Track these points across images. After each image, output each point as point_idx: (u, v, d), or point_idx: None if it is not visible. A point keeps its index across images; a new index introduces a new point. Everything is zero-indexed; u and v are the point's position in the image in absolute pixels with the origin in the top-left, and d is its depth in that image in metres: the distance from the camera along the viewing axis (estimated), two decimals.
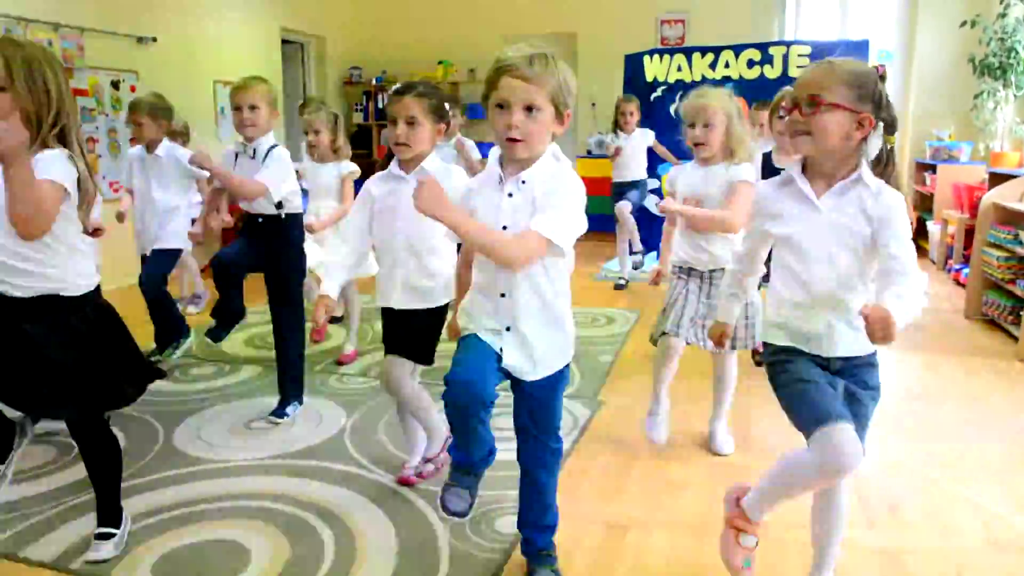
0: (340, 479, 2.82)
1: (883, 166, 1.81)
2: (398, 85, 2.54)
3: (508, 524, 2.43)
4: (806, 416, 1.81)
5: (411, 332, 2.60)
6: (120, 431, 3.25)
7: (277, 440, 3.19)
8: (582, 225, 1.87)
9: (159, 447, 3.13)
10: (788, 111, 1.80)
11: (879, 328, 1.54)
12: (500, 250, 1.82)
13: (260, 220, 3.29)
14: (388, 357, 2.64)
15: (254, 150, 3.22)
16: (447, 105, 2.55)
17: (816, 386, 1.82)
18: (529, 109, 1.81)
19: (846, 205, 1.80)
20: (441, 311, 2.62)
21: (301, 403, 3.50)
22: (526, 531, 2.20)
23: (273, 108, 3.25)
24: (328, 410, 3.50)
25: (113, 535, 2.32)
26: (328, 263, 2.66)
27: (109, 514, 2.35)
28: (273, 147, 3.24)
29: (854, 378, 1.87)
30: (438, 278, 2.56)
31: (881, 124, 1.79)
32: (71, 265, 2.09)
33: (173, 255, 4.19)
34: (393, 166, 2.54)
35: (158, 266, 4.09)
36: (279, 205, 3.25)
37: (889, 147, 1.82)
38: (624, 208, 5.92)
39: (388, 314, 2.63)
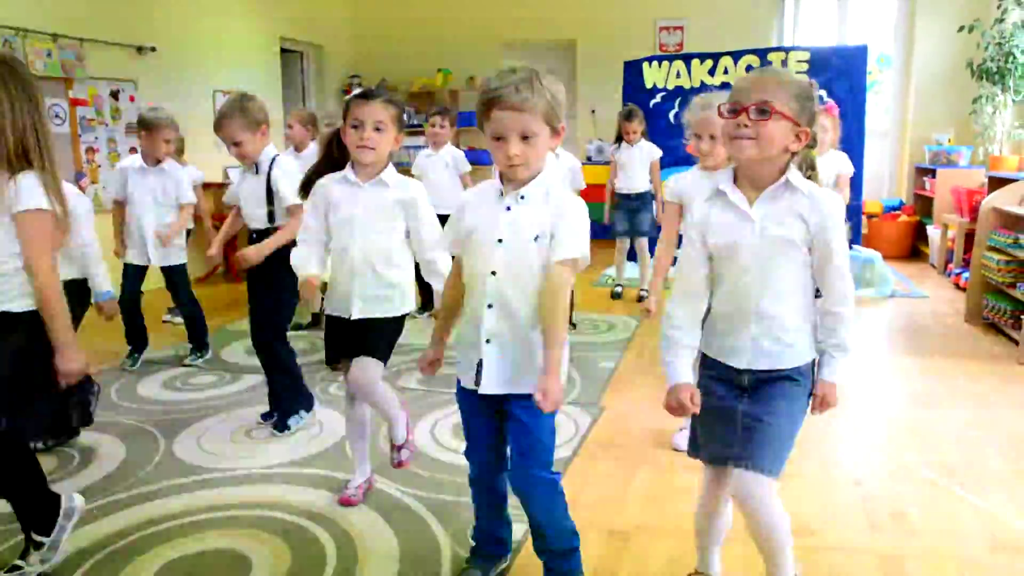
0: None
1: (806, 172, 1.81)
2: (360, 90, 2.51)
3: (512, 532, 2.42)
4: (696, 444, 2.01)
5: (375, 338, 2.57)
6: (120, 441, 3.27)
7: (278, 449, 3.19)
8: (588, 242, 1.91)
9: (160, 457, 3.12)
10: (734, 114, 1.74)
11: (821, 410, 1.85)
12: (562, 318, 1.86)
13: (254, 236, 3.25)
14: (359, 359, 2.57)
15: (256, 166, 3.22)
16: (404, 116, 2.56)
17: (712, 425, 1.92)
18: (525, 137, 1.81)
19: (779, 212, 1.77)
20: (401, 320, 2.61)
21: (309, 410, 3.51)
22: (544, 557, 2.10)
23: (257, 128, 3.19)
24: (328, 418, 3.50)
25: (41, 545, 2.23)
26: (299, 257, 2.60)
27: (34, 519, 2.25)
28: (276, 157, 3.22)
29: (761, 399, 1.84)
30: (396, 288, 2.55)
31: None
32: (19, 282, 2.06)
33: (184, 267, 4.49)
34: (348, 172, 2.51)
35: (185, 283, 4.49)
36: (271, 218, 3.20)
37: (810, 159, 1.84)
38: (645, 245, 5.86)
39: (343, 324, 2.57)
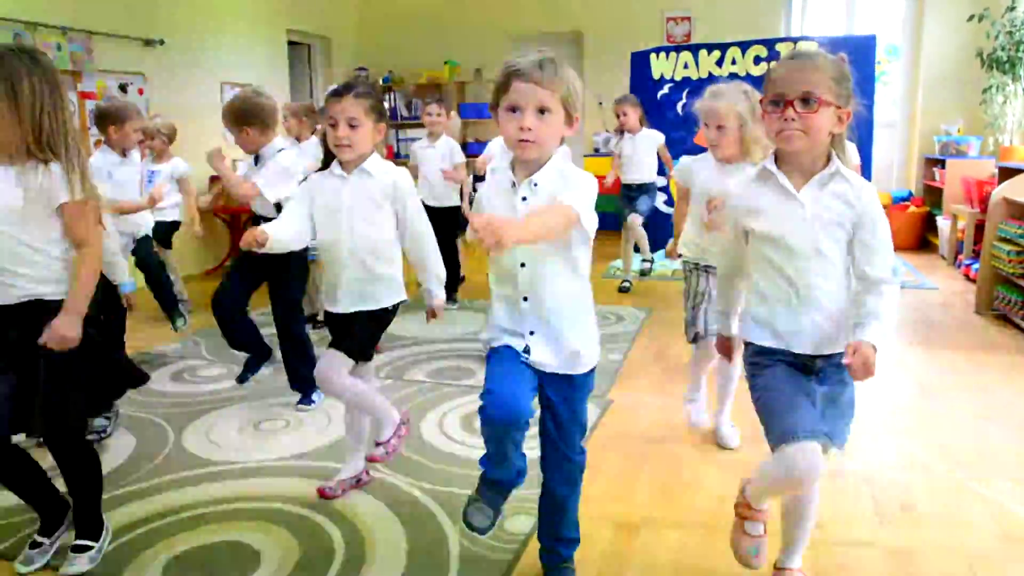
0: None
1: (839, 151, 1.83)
2: (335, 86, 2.52)
3: (519, 525, 2.43)
4: (772, 430, 1.84)
5: (353, 331, 2.58)
6: (130, 433, 3.28)
7: (286, 441, 3.20)
8: (596, 218, 1.88)
9: (169, 449, 3.13)
10: (778, 107, 1.75)
11: (860, 372, 1.67)
12: (550, 225, 1.78)
13: (262, 221, 3.33)
14: (326, 351, 2.58)
15: (257, 157, 3.33)
16: (384, 104, 2.56)
17: (788, 398, 1.83)
18: (541, 111, 1.81)
19: (827, 197, 1.79)
20: (384, 313, 2.59)
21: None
22: (546, 541, 2.17)
23: (266, 127, 3.32)
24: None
25: (90, 548, 2.27)
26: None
27: (87, 525, 2.31)
28: (279, 151, 3.31)
29: (834, 380, 1.86)
30: (382, 281, 2.56)
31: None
32: (59, 270, 2.15)
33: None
34: (334, 166, 2.52)
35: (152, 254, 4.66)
36: (279, 207, 3.27)
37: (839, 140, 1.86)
38: (636, 221, 5.77)
39: (333, 318, 2.60)
